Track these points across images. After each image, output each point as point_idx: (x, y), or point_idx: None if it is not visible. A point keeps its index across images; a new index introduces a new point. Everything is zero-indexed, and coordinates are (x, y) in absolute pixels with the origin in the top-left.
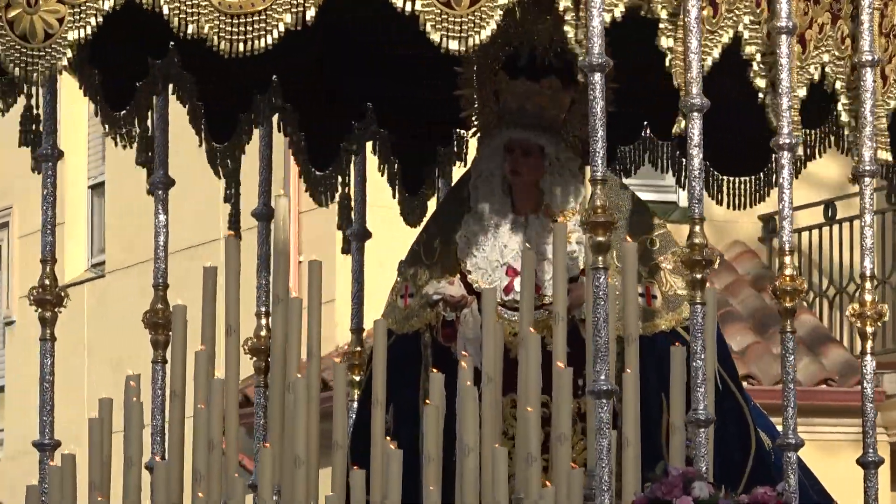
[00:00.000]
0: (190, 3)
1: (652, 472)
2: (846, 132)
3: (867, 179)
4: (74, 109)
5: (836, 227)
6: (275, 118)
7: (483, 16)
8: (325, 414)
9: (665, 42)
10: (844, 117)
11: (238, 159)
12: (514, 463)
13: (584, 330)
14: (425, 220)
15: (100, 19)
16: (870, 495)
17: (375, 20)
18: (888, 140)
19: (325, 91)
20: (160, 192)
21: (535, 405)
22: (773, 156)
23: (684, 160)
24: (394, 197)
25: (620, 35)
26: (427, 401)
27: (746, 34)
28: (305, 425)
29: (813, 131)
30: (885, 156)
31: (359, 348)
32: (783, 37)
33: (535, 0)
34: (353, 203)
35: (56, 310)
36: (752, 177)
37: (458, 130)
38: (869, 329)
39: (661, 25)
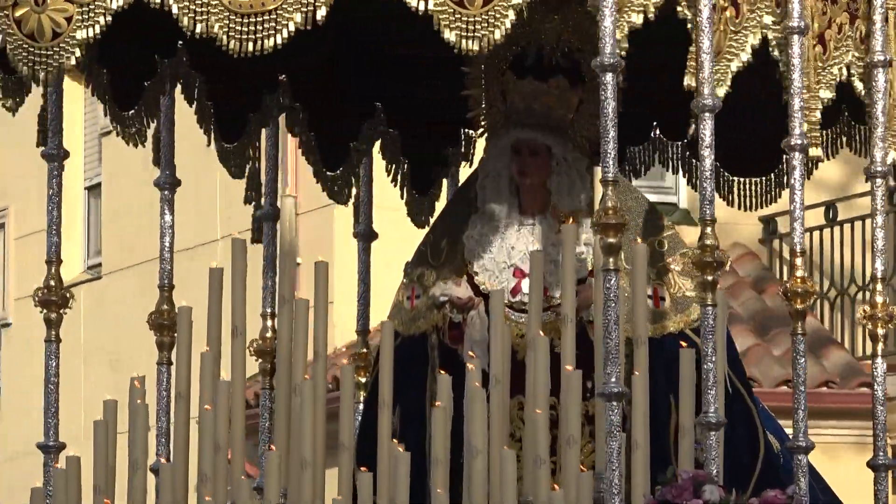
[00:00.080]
0: (199, 1)
1: (661, 475)
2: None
3: (879, 180)
4: (71, 110)
5: (837, 229)
6: (281, 118)
7: (497, 15)
8: (331, 415)
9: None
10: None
11: (250, 159)
12: (521, 465)
13: (591, 332)
14: (432, 220)
15: (108, 18)
16: (880, 498)
17: (385, 20)
18: None
19: (335, 91)
20: (166, 193)
21: (543, 407)
22: (784, 157)
23: (694, 161)
24: (402, 197)
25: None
26: (435, 403)
27: (770, 35)
28: (312, 427)
29: (824, 132)
30: None
31: (364, 350)
32: (795, 37)
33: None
34: (360, 203)
35: (62, 311)
36: (763, 178)
37: (465, 131)
38: (880, 331)
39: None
